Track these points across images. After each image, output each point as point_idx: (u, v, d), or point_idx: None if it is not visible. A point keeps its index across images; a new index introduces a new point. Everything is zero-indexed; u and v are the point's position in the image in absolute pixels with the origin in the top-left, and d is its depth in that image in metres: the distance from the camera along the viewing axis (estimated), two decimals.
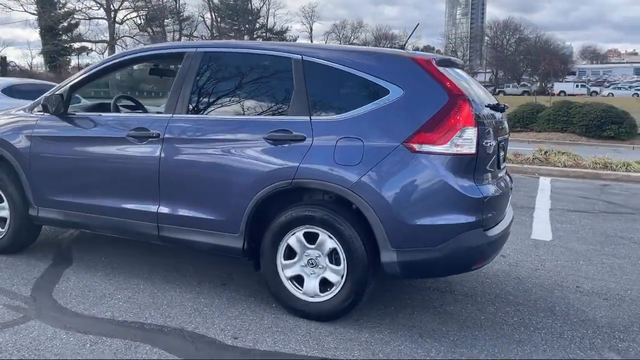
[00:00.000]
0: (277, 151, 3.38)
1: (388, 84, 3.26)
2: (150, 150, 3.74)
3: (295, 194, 3.50)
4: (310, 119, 3.36)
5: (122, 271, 4.21)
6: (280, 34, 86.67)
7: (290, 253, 3.44)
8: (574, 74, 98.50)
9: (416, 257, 3.14)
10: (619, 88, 63.36)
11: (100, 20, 49.72)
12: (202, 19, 71.76)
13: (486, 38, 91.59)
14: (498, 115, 3.60)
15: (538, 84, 79.16)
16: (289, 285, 3.45)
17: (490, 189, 3.29)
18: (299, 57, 3.52)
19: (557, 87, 66.88)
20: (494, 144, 3.39)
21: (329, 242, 3.30)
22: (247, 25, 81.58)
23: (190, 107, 3.75)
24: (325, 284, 3.37)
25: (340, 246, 3.27)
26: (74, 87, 4.19)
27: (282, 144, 3.38)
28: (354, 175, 3.16)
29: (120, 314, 3.44)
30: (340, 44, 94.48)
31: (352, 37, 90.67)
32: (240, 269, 4.27)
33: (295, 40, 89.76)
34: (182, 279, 4.09)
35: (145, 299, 3.70)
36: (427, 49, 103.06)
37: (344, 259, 3.27)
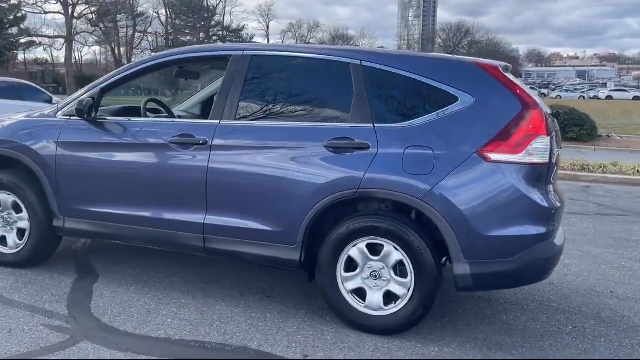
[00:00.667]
0: (339, 160, 3.27)
1: (456, 91, 3.20)
2: (197, 158, 3.57)
3: (349, 205, 3.40)
4: (374, 127, 3.26)
5: (156, 284, 4.00)
6: (237, 32, 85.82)
7: (350, 265, 3.34)
8: (521, 76, 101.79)
9: (490, 269, 3.10)
10: (566, 90, 65.75)
11: (54, 15, 47.94)
12: (157, 15, 70.25)
13: (439, 40, 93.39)
14: (556, 122, 3.61)
15: None
16: (349, 298, 3.34)
17: (555, 199, 3.29)
18: (358, 62, 3.42)
19: None
20: (558, 153, 3.39)
21: (395, 254, 3.22)
22: (202, 23, 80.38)
23: (240, 113, 3.59)
24: (389, 297, 3.28)
25: (407, 258, 3.19)
26: (105, 90, 3.95)
27: (345, 152, 3.27)
28: (426, 185, 3.09)
29: (175, 333, 3.26)
30: (297, 42, 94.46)
31: (309, 37, 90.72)
32: (280, 279, 4.14)
33: (252, 38, 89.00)
34: (222, 291, 3.93)
35: (192, 314, 3.52)
36: (381, 49, 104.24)
37: (411, 272, 3.20)
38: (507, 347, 3.26)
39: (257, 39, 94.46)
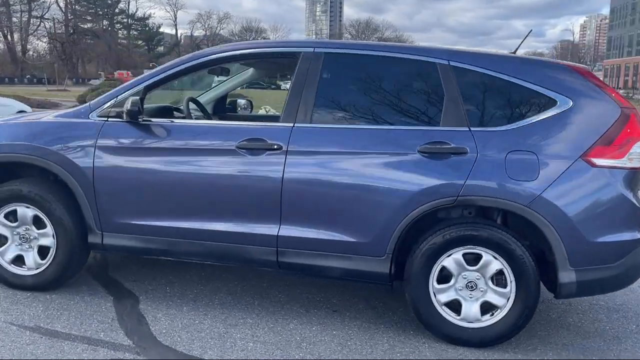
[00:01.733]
0: (435, 165, 3.12)
1: (554, 94, 3.15)
2: (271, 165, 3.27)
3: (434, 213, 3.26)
4: (470, 130, 3.14)
5: (207, 302, 3.66)
6: (142, 21, 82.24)
7: (443, 276, 3.20)
8: None
9: (594, 275, 3.08)
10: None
11: None
12: (55, 0, 65.68)
13: (348, 36, 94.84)
14: None
15: None
16: (442, 311, 3.20)
17: None
18: (445, 62, 3.28)
19: None
20: None
21: (494, 263, 3.12)
22: (105, 10, 76.24)
23: (316, 115, 3.33)
24: (485, 308, 3.18)
25: (508, 267, 3.11)
26: (150, 88, 3.53)
27: (441, 158, 3.12)
28: (532, 191, 3.02)
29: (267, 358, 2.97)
30: (206, 34, 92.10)
31: (219, 28, 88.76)
32: (330, 290, 3.94)
33: (159, 27, 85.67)
34: (281, 305, 3.66)
35: (270, 336, 3.23)
36: None
37: (511, 281, 3.11)
38: (597, 351, 3.26)
39: (164, 29, 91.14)
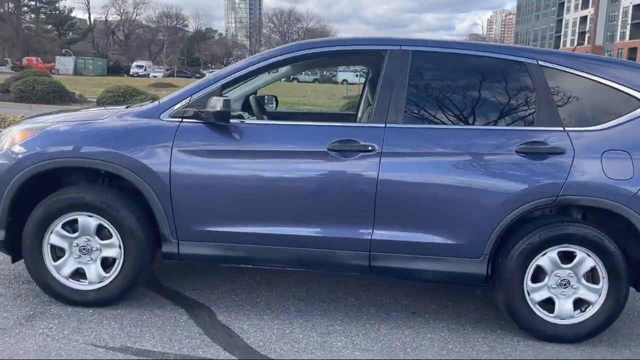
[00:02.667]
0: (534, 166, 3.16)
1: None
2: (364, 167, 3.18)
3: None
4: (565, 130, 3.20)
5: (282, 309, 3.52)
6: (52, 4, 77.41)
7: (537, 275, 3.25)
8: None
9: None
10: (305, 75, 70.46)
11: None
12: None
13: (271, 25, 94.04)
14: None
15: (319, 72, 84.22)
16: (536, 309, 3.26)
17: None
18: (534, 61, 3.31)
19: (341, 76, 71.90)
20: None
21: (588, 260, 3.21)
22: None
23: (407, 115, 3.26)
24: (577, 304, 3.27)
25: (601, 264, 3.20)
26: (227, 87, 3.33)
27: (539, 158, 3.16)
28: (629, 190, 3.12)
29: None
30: (121, 19, 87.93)
31: (135, 14, 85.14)
32: (391, 290, 3.90)
33: (70, 11, 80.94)
34: (358, 309, 3.59)
35: (368, 342, 3.16)
36: (210, 30, 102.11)
37: (603, 277, 3.22)
38: None
39: (76, 13, 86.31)
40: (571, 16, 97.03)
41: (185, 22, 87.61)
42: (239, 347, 3.02)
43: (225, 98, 3.12)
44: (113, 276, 3.31)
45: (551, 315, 3.26)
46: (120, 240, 3.27)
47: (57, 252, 3.33)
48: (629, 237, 3.26)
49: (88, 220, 3.26)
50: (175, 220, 3.24)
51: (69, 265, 3.32)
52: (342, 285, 3.96)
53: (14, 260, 3.46)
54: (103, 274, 3.32)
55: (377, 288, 3.94)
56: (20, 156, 3.24)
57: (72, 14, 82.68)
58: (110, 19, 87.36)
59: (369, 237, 3.22)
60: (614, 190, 3.12)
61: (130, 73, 62.18)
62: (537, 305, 3.26)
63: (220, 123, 3.19)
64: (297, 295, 3.76)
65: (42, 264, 3.30)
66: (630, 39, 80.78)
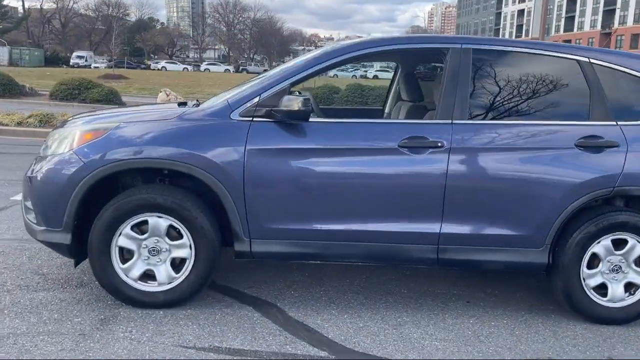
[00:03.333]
0: (592, 159, 3.34)
1: None
2: (434, 162, 3.28)
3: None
4: (618, 124, 3.40)
5: (346, 303, 3.58)
6: None
7: (592, 262, 3.45)
8: (290, 55, 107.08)
9: None
10: (342, 70, 71.19)
11: None
12: None
13: (217, 15, 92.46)
14: None
15: (267, 63, 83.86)
16: (591, 294, 3.46)
17: None
18: (586, 59, 3.49)
19: None
20: None
21: (638, 247, 3.43)
22: None
23: (471, 111, 3.38)
24: (627, 288, 3.49)
25: None
26: (295, 84, 3.34)
27: (596, 151, 3.35)
28: None
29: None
30: (58, 7, 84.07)
31: (72, 2, 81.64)
32: (441, 280, 4.03)
33: None
34: (415, 301, 3.69)
35: (441, 333, 3.27)
36: (152, 20, 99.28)
37: None
38: None
39: (8, 2, 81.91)
40: (509, 9, 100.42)
41: (127, 10, 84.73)
42: (323, 342, 3.06)
43: (305, 97, 3.14)
44: (183, 276, 3.28)
45: (604, 299, 3.47)
46: (192, 240, 3.24)
47: (125, 255, 3.26)
48: None
49: (158, 221, 3.21)
50: (248, 219, 3.24)
51: (137, 267, 3.27)
52: (389, 277, 4.05)
53: (76, 264, 3.37)
54: (173, 274, 3.28)
55: (423, 278, 4.06)
56: (89, 158, 3.15)
57: (4, 2, 78.39)
58: (45, 7, 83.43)
59: (438, 231, 3.32)
60: None
61: (71, 64, 59.82)
62: (592, 290, 3.46)
63: (299, 122, 3.19)
64: (352, 289, 3.83)
65: (111, 267, 3.23)
66: (564, 31, 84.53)
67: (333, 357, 2.91)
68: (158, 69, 63.45)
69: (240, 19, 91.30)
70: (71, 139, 3.26)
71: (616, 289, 3.46)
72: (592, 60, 3.50)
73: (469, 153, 3.31)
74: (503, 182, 3.32)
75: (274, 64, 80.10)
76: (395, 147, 3.26)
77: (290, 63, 3.63)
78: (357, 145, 3.29)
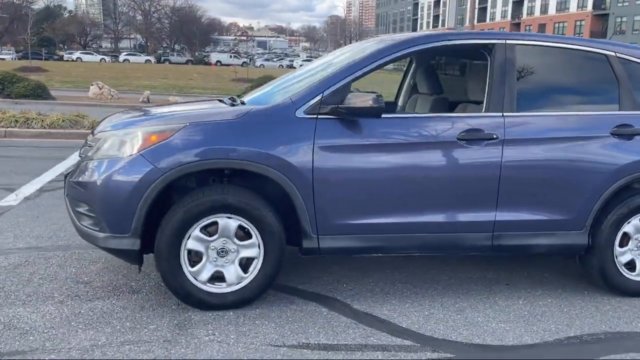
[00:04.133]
0: (626, 145, 3.63)
1: None
2: (489, 154, 3.45)
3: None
4: None
5: (400, 293, 3.70)
6: None
7: (623, 241, 3.76)
8: (210, 44, 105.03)
9: None
10: (267, 60, 70.86)
11: None
12: None
13: (132, 3, 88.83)
14: None
15: (188, 53, 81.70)
16: (623, 271, 3.77)
17: None
18: (613, 53, 3.77)
19: (214, 57, 70.54)
20: None
21: None
22: None
23: (519, 104, 3.56)
24: None
25: None
26: (355, 81, 3.39)
27: (629, 138, 3.63)
28: None
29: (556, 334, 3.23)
30: None
31: None
32: (471, 266, 4.24)
33: None
34: (459, 287, 3.85)
35: (501, 315, 3.46)
36: (59, 7, 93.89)
37: None
38: None
39: None
40: (426, 0, 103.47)
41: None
42: (401, 331, 3.16)
43: (377, 94, 3.18)
44: (252, 276, 3.26)
45: (633, 274, 3.79)
46: (260, 239, 3.23)
47: (193, 257, 3.20)
48: None
49: (228, 222, 3.18)
50: (316, 216, 3.26)
51: (207, 269, 3.22)
52: (429, 267, 4.20)
53: (140, 270, 3.26)
54: (242, 274, 3.25)
55: (456, 265, 4.23)
56: (159, 161, 3.05)
57: None
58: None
59: (493, 219, 3.50)
60: None
61: None
62: (623, 267, 3.77)
63: (332, 117, 3.25)
64: (400, 279, 3.94)
65: (181, 271, 3.16)
66: (477, 22, 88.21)
67: (418, 344, 3.02)
68: (73, 60, 60.26)
69: (158, 7, 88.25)
70: (133, 141, 3.14)
71: None
72: (618, 55, 3.78)
73: (520, 144, 3.49)
74: (550, 170, 3.54)
75: (196, 53, 78.21)
76: (455, 140, 3.39)
77: (341, 58, 3.68)
78: (419, 140, 3.39)
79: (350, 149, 3.28)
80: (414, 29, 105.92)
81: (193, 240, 3.16)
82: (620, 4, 63.87)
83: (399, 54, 3.50)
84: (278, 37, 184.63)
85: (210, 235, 3.19)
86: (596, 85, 3.81)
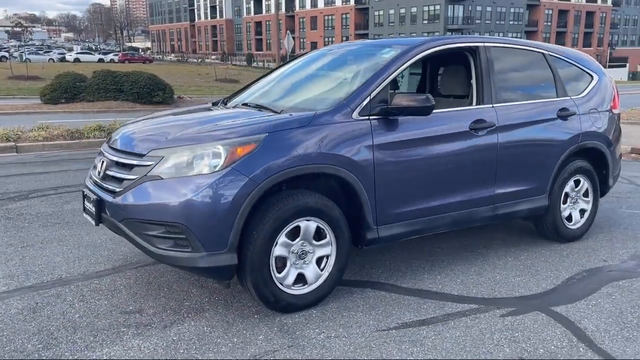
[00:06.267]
0: (566, 124, 4.60)
1: (592, 73, 5.02)
2: (490, 140, 4.11)
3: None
4: (572, 99, 4.73)
5: (434, 265, 4.19)
6: None
7: (565, 199, 4.78)
8: None
9: None
10: (35, 53, 63.49)
11: None
12: None
13: None
14: None
15: None
16: (565, 222, 4.80)
17: None
18: (547, 52, 4.74)
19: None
20: None
21: (586, 184, 4.89)
22: None
23: (499, 96, 4.27)
24: (581, 213, 4.93)
25: (591, 185, 4.93)
26: (391, 81, 3.75)
27: (566, 119, 4.62)
28: (605, 135, 4.87)
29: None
30: None
31: None
32: (450, 238, 4.95)
33: None
34: (476, 251, 4.51)
35: (509, 271, 4.18)
36: None
37: (591, 193, 4.96)
38: None
39: None
40: None
41: None
42: (460, 298, 3.65)
43: (428, 94, 3.55)
44: (327, 273, 3.44)
45: (570, 224, 4.83)
46: (334, 237, 3.42)
47: (277, 264, 3.26)
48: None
49: (309, 225, 3.30)
50: (376, 208, 3.56)
51: (291, 273, 3.31)
52: (439, 241, 4.73)
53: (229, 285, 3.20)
54: (320, 272, 3.41)
55: (449, 236, 4.85)
56: (253, 172, 3.03)
57: None
58: None
59: (493, 193, 4.18)
60: (598, 135, 4.81)
61: None
62: (565, 220, 4.79)
63: (382, 117, 3.59)
64: (425, 254, 4.46)
65: (271, 278, 3.20)
66: (254, 14, 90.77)
67: (483, 305, 3.55)
68: None
69: None
70: (215, 157, 3.06)
71: (575, 216, 4.86)
72: (550, 53, 4.75)
73: (508, 129, 4.21)
74: (526, 148, 4.34)
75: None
76: (468, 130, 3.97)
77: (372, 62, 4.00)
78: (447, 131, 3.87)
79: (400, 145, 3.62)
80: (192, 19, 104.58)
81: (280, 247, 3.22)
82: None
83: (415, 58, 3.91)
84: (34, 26, 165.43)
85: (293, 240, 3.28)
86: (542, 78, 4.72)
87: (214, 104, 4.55)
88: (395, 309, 3.45)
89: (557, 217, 4.69)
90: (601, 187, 5.09)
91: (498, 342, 3.06)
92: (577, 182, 4.82)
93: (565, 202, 4.77)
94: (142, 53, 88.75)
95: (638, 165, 8.98)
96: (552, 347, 3.03)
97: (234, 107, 4.14)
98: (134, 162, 3.26)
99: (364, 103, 3.54)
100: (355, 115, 3.49)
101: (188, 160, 3.09)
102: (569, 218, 4.84)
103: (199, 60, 73.60)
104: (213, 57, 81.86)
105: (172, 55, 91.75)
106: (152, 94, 20.08)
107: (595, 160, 4.96)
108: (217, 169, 3.04)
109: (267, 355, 2.87)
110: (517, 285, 3.89)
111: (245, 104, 4.09)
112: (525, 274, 4.10)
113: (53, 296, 3.59)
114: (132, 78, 20.25)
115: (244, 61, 69.69)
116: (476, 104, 4.18)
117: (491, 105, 4.17)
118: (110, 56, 67.97)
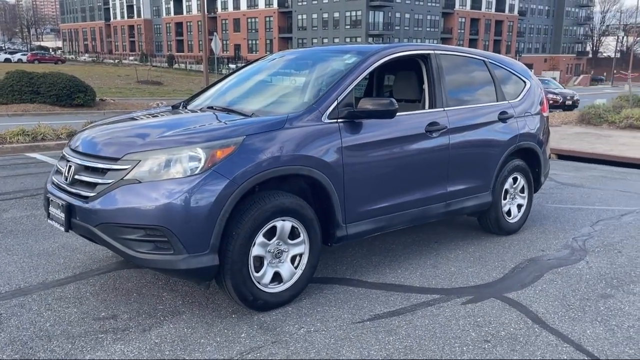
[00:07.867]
0: (506, 126, 4.98)
1: (525, 79, 5.46)
2: (442, 141, 4.39)
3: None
4: (509, 102, 5.13)
5: (401, 260, 4.40)
6: None
7: (505, 196, 5.18)
8: None
9: None
10: None
11: None
12: None
13: None
14: None
15: None
16: (505, 217, 5.20)
17: None
18: (486, 59, 5.11)
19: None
20: None
21: (521, 182, 5.31)
22: None
23: (449, 100, 4.57)
24: (519, 208, 5.36)
25: (526, 181, 5.37)
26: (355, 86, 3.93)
27: (505, 121, 5.00)
28: (539, 137, 5.32)
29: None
30: None
31: None
32: (406, 233, 5.22)
33: None
34: (430, 245, 4.78)
35: (472, 256, 4.49)
36: None
37: (527, 189, 5.39)
38: None
39: None
40: None
41: None
42: (423, 290, 3.88)
43: (391, 98, 3.74)
44: (301, 270, 3.56)
45: (510, 217, 5.24)
46: (307, 235, 3.55)
47: (255, 263, 3.35)
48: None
49: (284, 224, 3.41)
50: (345, 207, 3.72)
51: (268, 272, 3.40)
52: (392, 237, 4.95)
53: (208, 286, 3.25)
54: (294, 270, 3.53)
55: (398, 234, 5.10)
56: (233, 174, 3.10)
57: None
58: None
59: (446, 190, 4.47)
60: (532, 135, 5.24)
61: None
62: (505, 214, 5.18)
63: (349, 120, 3.76)
64: (376, 252, 4.62)
65: (249, 278, 3.28)
66: (174, 14, 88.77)
67: (444, 295, 3.80)
68: None
69: None
70: (194, 159, 3.10)
71: (514, 210, 5.28)
72: (490, 60, 5.12)
73: (457, 131, 4.51)
74: (473, 149, 4.67)
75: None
76: (424, 132, 4.22)
77: (335, 67, 4.15)
78: (407, 133, 4.10)
79: (366, 146, 3.80)
80: (107, 19, 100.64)
81: (258, 247, 3.30)
82: (300, 3, 72.16)
83: (377, 64, 4.12)
84: None
85: (269, 240, 3.38)
86: (484, 83, 5.07)
87: (174, 107, 4.55)
88: (365, 302, 3.63)
89: (499, 212, 5.06)
90: (534, 184, 5.53)
91: (464, 328, 3.31)
92: (515, 180, 5.22)
93: (505, 198, 5.16)
94: (53, 53, 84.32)
95: (556, 164, 9.73)
96: (512, 329, 3.31)
97: (200, 110, 4.17)
98: (107, 166, 3.24)
99: (332, 106, 3.69)
100: (324, 118, 3.64)
101: (167, 163, 3.12)
102: (509, 213, 5.23)
103: (116, 61, 70.89)
104: (131, 57, 79.16)
105: (87, 55, 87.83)
106: (73, 96, 19.25)
107: (530, 159, 5.39)
108: (197, 171, 3.09)
109: (253, 351, 2.96)
110: (471, 275, 4.18)
111: (210, 107, 4.13)
112: (476, 265, 4.41)
113: (17, 306, 3.48)
114: (50, 79, 19.33)
115: (165, 62, 67.91)
116: (428, 108, 4.45)
117: (442, 109, 4.46)
118: (18, 55, 64.14)
